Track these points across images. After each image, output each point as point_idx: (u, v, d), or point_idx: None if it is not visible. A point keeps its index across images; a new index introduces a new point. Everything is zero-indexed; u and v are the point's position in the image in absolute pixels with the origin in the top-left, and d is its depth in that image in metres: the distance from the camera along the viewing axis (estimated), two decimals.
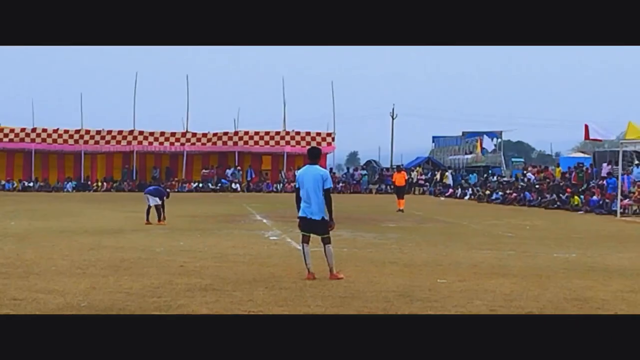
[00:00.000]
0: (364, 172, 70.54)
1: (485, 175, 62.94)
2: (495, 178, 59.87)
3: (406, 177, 44.39)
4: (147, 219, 26.94)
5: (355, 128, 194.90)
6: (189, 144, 66.41)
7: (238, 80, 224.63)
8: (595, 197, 39.75)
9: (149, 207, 27.21)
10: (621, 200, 36.10)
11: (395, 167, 60.60)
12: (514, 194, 49.09)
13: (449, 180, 64.10)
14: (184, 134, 66.60)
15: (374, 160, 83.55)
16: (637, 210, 36.68)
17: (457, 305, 11.24)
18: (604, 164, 47.47)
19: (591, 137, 51.34)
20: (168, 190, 30.43)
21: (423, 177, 67.78)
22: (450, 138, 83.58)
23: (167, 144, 66.50)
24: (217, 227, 25.88)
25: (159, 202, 27.12)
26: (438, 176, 66.88)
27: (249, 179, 65.98)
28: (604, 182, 42.32)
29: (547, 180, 50.41)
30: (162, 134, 66.65)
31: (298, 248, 19.18)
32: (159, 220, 26.95)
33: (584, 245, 21.88)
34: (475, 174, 64.19)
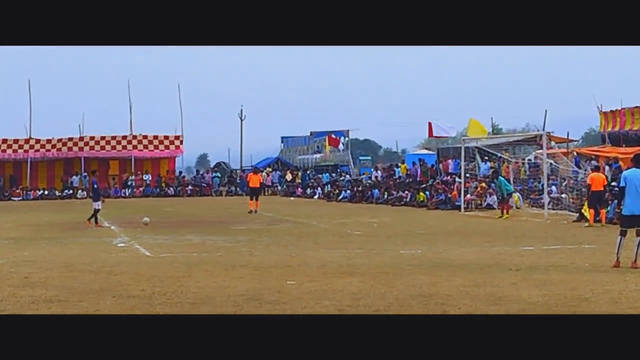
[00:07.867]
0: (217, 174, 70.21)
1: (333, 175, 63.59)
2: (343, 177, 60.60)
3: (261, 180, 44.68)
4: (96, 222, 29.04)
5: (205, 130, 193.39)
6: (33, 150, 64.64)
7: (82, 84, 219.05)
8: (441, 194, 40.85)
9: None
10: (464, 196, 37.23)
11: (251, 168, 59.18)
12: (362, 191, 49.84)
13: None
14: (27, 141, 64.78)
15: (224, 162, 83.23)
16: (481, 205, 37.84)
17: (305, 306, 11.32)
18: (448, 161, 48.95)
19: (435, 135, 53.09)
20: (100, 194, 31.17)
21: (271, 177, 68.15)
22: (299, 138, 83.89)
23: (9, 151, 64.64)
24: (64, 236, 25.30)
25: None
26: (289, 176, 67.23)
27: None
28: (449, 178, 43.58)
29: (393, 177, 51.50)
30: (5, 141, 64.74)
31: (147, 254, 19.03)
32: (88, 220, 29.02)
33: (429, 241, 22.45)
34: (327, 174, 64.63)
